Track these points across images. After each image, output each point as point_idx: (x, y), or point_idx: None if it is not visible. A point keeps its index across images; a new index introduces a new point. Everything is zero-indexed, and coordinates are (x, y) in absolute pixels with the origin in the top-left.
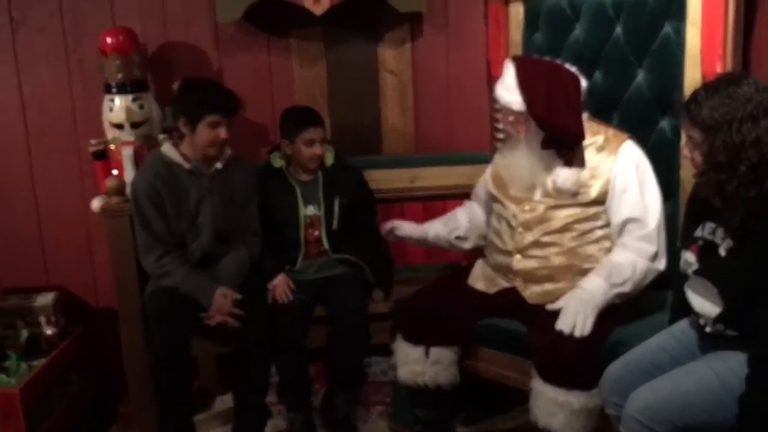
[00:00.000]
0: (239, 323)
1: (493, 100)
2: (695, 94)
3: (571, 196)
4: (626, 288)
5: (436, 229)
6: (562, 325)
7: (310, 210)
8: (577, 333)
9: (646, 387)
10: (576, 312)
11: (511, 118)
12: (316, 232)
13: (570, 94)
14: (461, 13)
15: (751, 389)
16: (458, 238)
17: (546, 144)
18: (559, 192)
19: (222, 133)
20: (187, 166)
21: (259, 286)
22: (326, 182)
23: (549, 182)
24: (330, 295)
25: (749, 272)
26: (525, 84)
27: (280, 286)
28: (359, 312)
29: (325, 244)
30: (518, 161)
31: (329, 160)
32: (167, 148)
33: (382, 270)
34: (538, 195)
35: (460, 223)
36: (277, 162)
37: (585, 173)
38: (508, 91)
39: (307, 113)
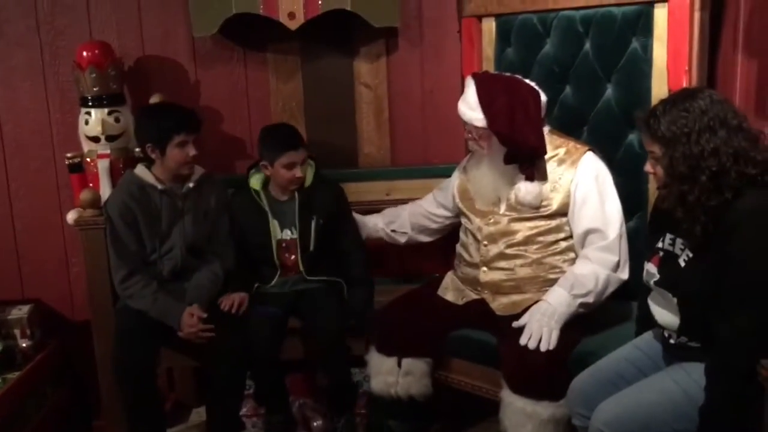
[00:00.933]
0: (208, 339)
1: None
2: (653, 110)
3: (533, 209)
4: (589, 299)
5: (375, 219)
6: (526, 340)
7: (286, 234)
8: (543, 347)
9: (612, 399)
10: (540, 326)
11: (474, 135)
12: (293, 257)
13: (530, 109)
14: (435, 28)
15: (709, 399)
16: (394, 231)
17: (508, 159)
18: (521, 205)
19: (191, 150)
20: (160, 187)
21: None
22: (302, 204)
23: (512, 196)
24: (304, 307)
25: (707, 283)
26: (485, 101)
27: (235, 298)
28: (336, 323)
29: (301, 267)
30: (483, 176)
31: (308, 179)
32: (141, 170)
33: (358, 299)
34: (502, 208)
35: (400, 218)
36: (256, 184)
37: (546, 186)
38: (470, 108)
39: (287, 135)
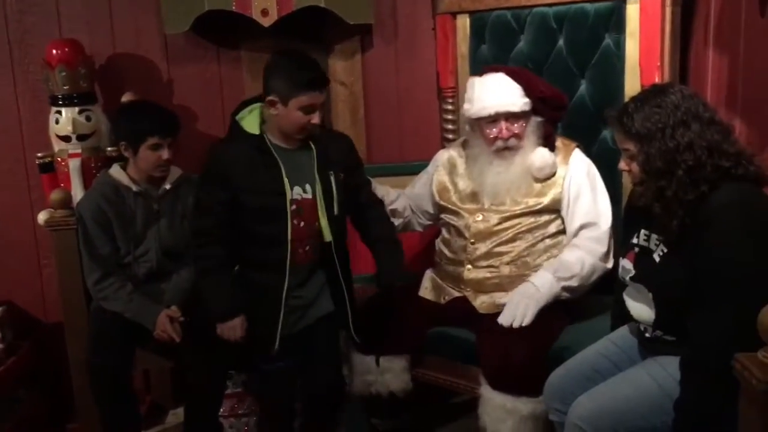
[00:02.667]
0: (182, 341)
1: (444, 110)
2: (625, 108)
3: (536, 195)
4: (573, 282)
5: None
6: (503, 318)
7: (297, 192)
8: (516, 324)
9: (587, 394)
10: (518, 305)
11: (512, 127)
12: (302, 224)
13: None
14: (410, 25)
15: (684, 393)
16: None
17: (548, 128)
18: (538, 173)
19: (164, 154)
20: (134, 188)
21: None
22: (320, 154)
23: (508, 188)
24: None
25: (682, 277)
26: (525, 83)
27: (237, 328)
28: (337, 372)
29: (327, 235)
30: (515, 172)
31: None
32: (115, 171)
33: (391, 262)
34: (488, 204)
35: (398, 202)
36: (253, 127)
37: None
38: (505, 95)
39: (313, 70)
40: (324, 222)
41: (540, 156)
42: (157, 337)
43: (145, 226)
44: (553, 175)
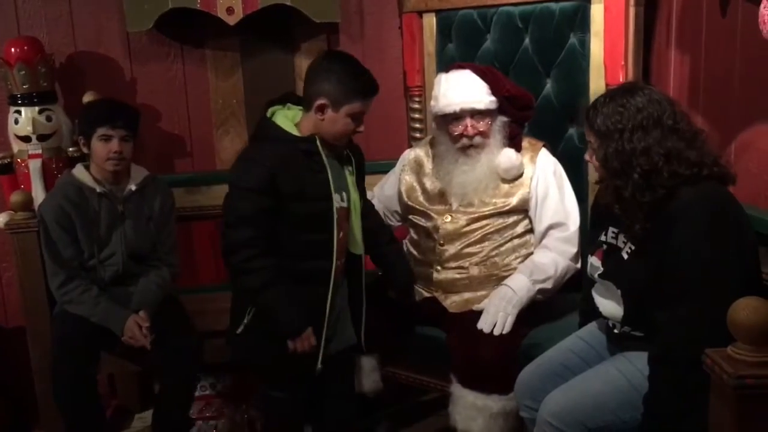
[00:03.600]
0: (151, 347)
1: (411, 109)
2: (595, 102)
3: (503, 195)
4: (548, 285)
5: None
6: (483, 324)
7: (337, 200)
8: (497, 332)
9: (558, 391)
10: (497, 311)
11: (477, 125)
12: (341, 233)
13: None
14: (377, 23)
15: (652, 388)
16: None
17: (515, 132)
18: (505, 174)
19: (114, 145)
20: (98, 189)
21: (179, 302)
22: (357, 162)
23: (491, 186)
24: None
25: (649, 274)
26: (491, 81)
27: (311, 338)
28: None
29: (356, 246)
30: (481, 171)
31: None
32: (79, 171)
33: (402, 271)
34: (456, 205)
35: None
36: (290, 126)
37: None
38: (471, 93)
39: (371, 79)
40: (358, 233)
41: (506, 157)
42: (125, 343)
43: (110, 228)
44: (521, 175)
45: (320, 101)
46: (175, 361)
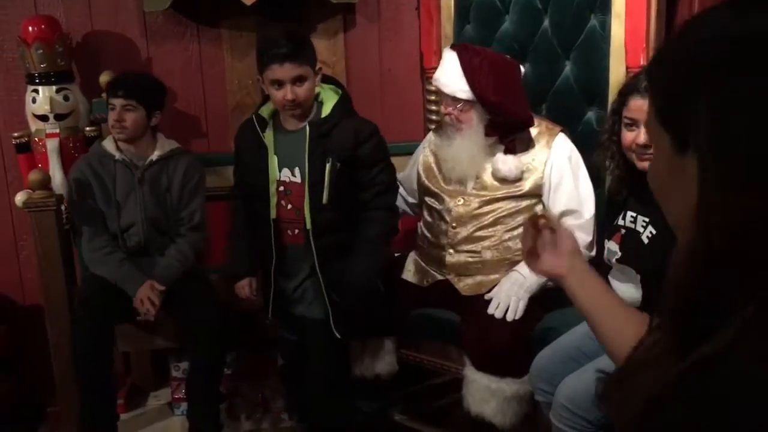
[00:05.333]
0: (154, 318)
1: (427, 91)
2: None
3: (507, 186)
4: None
5: None
6: (493, 309)
7: (285, 174)
8: (509, 317)
9: (573, 375)
10: (508, 295)
11: (454, 109)
12: (289, 206)
13: (514, 79)
14: (393, 4)
15: None
16: None
17: (491, 131)
18: (500, 180)
19: (114, 114)
20: (117, 156)
21: (205, 277)
22: (313, 138)
23: (489, 172)
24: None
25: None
26: (470, 71)
27: (241, 288)
28: (332, 383)
29: (307, 223)
30: (458, 153)
31: (326, 109)
32: (106, 141)
33: (355, 270)
34: (469, 187)
35: None
36: (266, 109)
37: (523, 160)
38: (453, 79)
39: (274, 41)
40: (306, 208)
41: (501, 163)
42: (135, 306)
43: (125, 194)
44: (519, 179)
45: (257, 76)
46: (200, 337)
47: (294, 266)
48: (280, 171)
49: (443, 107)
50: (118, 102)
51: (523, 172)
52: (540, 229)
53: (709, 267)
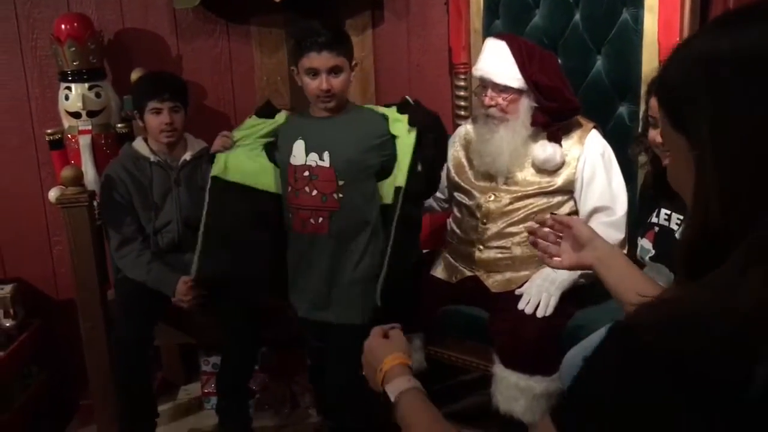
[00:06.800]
0: (198, 307)
1: (456, 86)
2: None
3: (544, 177)
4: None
5: None
6: (524, 305)
7: (312, 159)
8: (540, 313)
9: None
10: (539, 292)
11: (502, 100)
12: (314, 192)
13: (560, 68)
14: None
15: None
16: None
17: (539, 120)
18: (539, 168)
19: (164, 118)
20: (153, 159)
21: None
22: (344, 123)
23: (523, 166)
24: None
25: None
26: (522, 59)
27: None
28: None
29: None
30: (500, 145)
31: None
32: (137, 143)
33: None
34: (501, 183)
35: None
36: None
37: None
38: (504, 68)
39: (313, 30)
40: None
41: (541, 149)
42: (175, 305)
43: (163, 195)
44: (561, 165)
45: (292, 67)
46: (232, 333)
47: (315, 257)
48: (306, 155)
49: (487, 99)
50: (165, 105)
51: (562, 163)
52: (541, 237)
53: (706, 229)
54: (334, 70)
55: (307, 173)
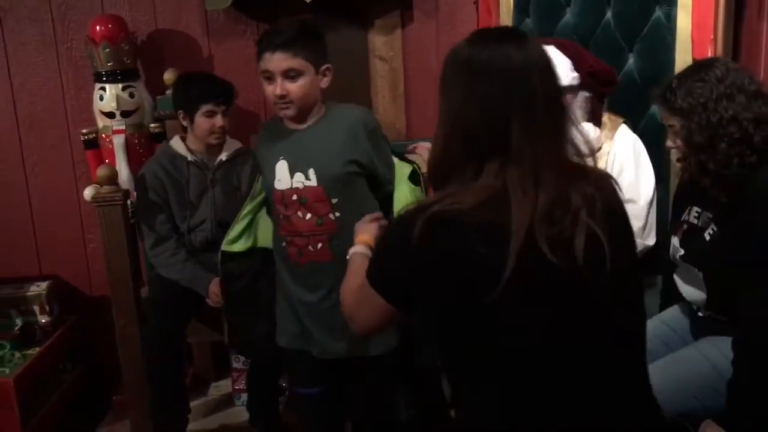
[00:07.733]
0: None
1: None
2: (669, 84)
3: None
4: None
5: None
6: None
7: (299, 180)
8: None
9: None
10: None
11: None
12: (308, 216)
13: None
14: None
15: (737, 374)
16: None
17: (593, 113)
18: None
19: (218, 121)
20: (190, 158)
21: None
22: (321, 133)
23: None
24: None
25: (732, 256)
26: (571, 57)
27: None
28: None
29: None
30: None
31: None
32: (175, 142)
33: None
34: None
35: None
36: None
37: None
38: (561, 71)
39: (277, 28)
40: (331, 213)
41: (587, 133)
42: (209, 304)
43: (199, 195)
44: (599, 149)
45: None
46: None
47: (314, 283)
48: (292, 177)
49: None
50: (220, 108)
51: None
52: None
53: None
54: (290, 74)
55: (295, 197)
